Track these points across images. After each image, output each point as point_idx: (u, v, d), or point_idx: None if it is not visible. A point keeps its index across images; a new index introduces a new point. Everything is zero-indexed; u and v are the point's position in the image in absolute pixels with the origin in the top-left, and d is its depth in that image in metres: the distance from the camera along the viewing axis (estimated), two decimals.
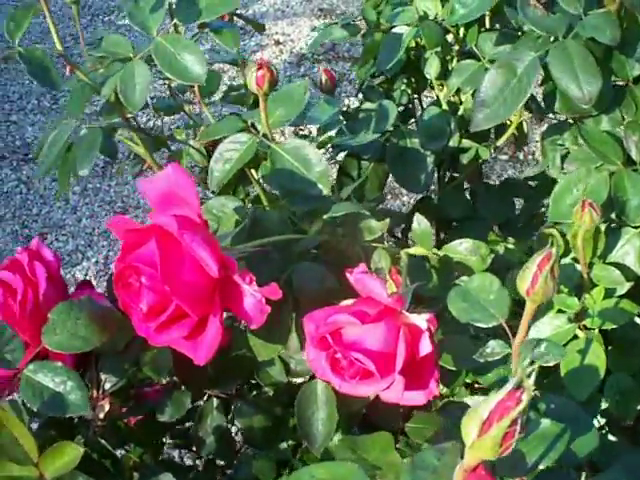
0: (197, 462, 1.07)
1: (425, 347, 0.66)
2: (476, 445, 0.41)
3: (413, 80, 1.23)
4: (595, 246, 0.81)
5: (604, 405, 0.89)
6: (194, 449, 1.01)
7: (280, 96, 0.82)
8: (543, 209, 1.26)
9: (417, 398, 0.68)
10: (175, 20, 0.82)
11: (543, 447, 0.60)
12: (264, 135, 0.80)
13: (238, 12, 0.92)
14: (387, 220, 0.79)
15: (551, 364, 0.62)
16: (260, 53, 3.48)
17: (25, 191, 2.75)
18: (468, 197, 1.23)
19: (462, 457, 0.47)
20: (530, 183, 1.27)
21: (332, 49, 3.52)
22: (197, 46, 0.77)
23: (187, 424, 0.99)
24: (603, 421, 0.95)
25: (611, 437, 0.94)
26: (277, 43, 3.57)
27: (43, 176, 0.93)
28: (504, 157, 2.80)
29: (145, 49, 0.81)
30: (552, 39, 0.87)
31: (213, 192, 0.83)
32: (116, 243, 2.53)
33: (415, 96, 1.26)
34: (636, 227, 0.85)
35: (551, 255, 0.55)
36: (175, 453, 1.24)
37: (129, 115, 0.86)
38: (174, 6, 0.82)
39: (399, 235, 1.22)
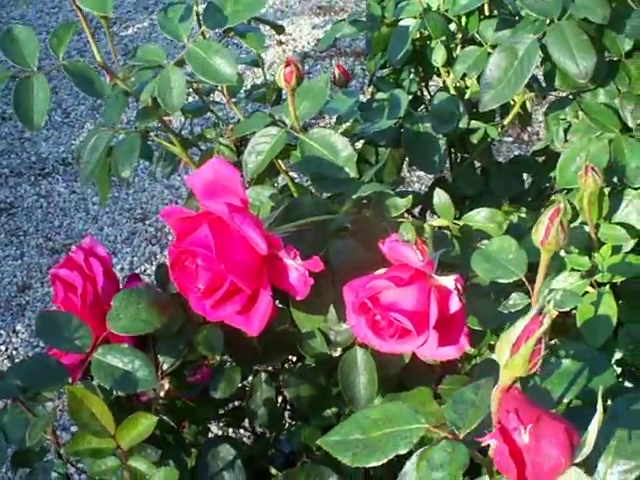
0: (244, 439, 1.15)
1: (454, 304, 0.73)
2: (509, 364, 0.48)
3: (420, 69, 1.30)
4: (600, 208, 0.89)
5: (619, 355, 0.97)
6: (243, 426, 1.09)
7: (304, 91, 0.89)
8: (551, 182, 1.33)
9: (450, 353, 0.76)
10: (203, 27, 0.89)
11: (565, 383, 0.68)
12: (292, 127, 0.88)
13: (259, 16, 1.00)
14: (410, 197, 0.86)
15: (567, 309, 0.69)
16: (264, 54, 3.55)
17: (45, 205, 2.83)
18: (480, 175, 1.30)
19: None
20: (537, 159, 1.34)
21: (333, 45, 3.58)
22: (227, 50, 0.85)
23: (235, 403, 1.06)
24: (619, 370, 1.02)
25: (627, 384, 1.01)
26: (280, 43, 3.64)
27: (87, 182, 1.00)
28: (509, 139, 2.88)
29: (177, 55, 0.88)
30: (548, 21, 0.94)
31: (248, 183, 0.90)
32: (139, 249, 2.61)
33: (422, 84, 1.33)
34: (637, 188, 0.93)
35: (560, 209, 0.62)
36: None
37: (166, 118, 0.93)
38: (201, 14, 0.90)
39: (417, 215, 1.29)
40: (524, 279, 0.75)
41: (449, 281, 0.73)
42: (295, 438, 1.01)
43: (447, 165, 1.27)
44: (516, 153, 2.79)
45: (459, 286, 0.73)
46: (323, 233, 0.84)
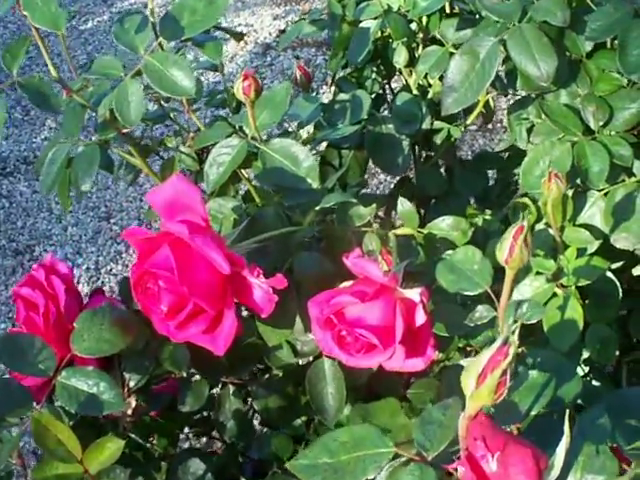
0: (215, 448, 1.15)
1: (420, 318, 0.73)
2: (475, 395, 0.48)
3: (382, 68, 1.30)
4: (564, 211, 0.89)
5: (586, 354, 0.97)
6: (214, 436, 1.08)
7: (264, 100, 0.88)
8: (516, 177, 1.33)
9: (417, 364, 0.76)
10: (160, 38, 0.87)
11: (533, 396, 0.68)
12: (253, 138, 0.87)
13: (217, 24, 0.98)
14: (374, 205, 0.86)
15: (533, 321, 0.69)
16: (225, 46, 3.52)
17: (7, 205, 2.79)
18: (444, 173, 1.30)
19: (464, 409, 0.55)
20: (501, 154, 1.34)
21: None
22: (185, 61, 0.83)
23: (205, 413, 1.06)
24: (587, 369, 1.03)
25: (595, 383, 1.02)
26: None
27: (48, 192, 0.99)
28: (473, 127, 2.88)
29: (134, 67, 0.87)
30: (509, 23, 0.94)
31: (211, 194, 0.89)
32: (104, 248, 2.58)
33: (385, 82, 1.33)
34: (600, 190, 0.93)
35: (523, 227, 0.62)
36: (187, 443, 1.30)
37: (124, 130, 0.92)
38: (157, 25, 0.88)
39: (382, 215, 1.29)
40: (489, 291, 0.75)
41: (414, 294, 0.73)
42: (265, 448, 1.00)
43: (411, 162, 1.27)
44: (481, 142, 2.79)
45: (424, 300, 0.72)
46: (287, 246, 0.83)
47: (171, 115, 1.08)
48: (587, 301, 0.96)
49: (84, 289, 2.44)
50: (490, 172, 1.33)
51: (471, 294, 0.76)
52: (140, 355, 0.85)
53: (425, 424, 0.59)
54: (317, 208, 0.84)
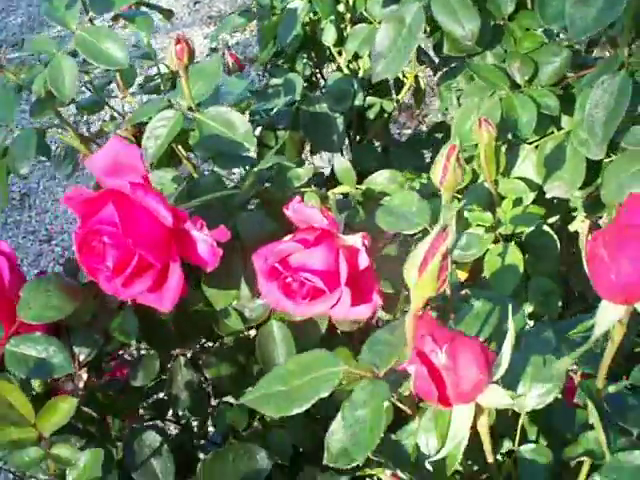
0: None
1: (363, 261, 0.74)
2: (418, 284, 0.49)
3: (313, 54, 1.32)
4: (498, 163, 0.91)
5: (531, 309, 0.99)
6: (169, 417, 1.08)
7: (197, 72, 0.89)
8: None
9: (364, 311, 0.77)
10: (90, 14, 0.88)
11: (478, 324, 0.70)
12: (189, 108, 0.88)
13: (146, 1, 1.00)
14: (311, 166, 0.87)
15: (470, 259, 0.70)
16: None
17: None
18: (379, 151, 1.32)
19: None
20: (436, 135, 1.37)
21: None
22: (116, 34, 0.84)
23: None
24: (532, 324, 1.05)
25: None
26: None
27: None
28: (402, 120, 2.89)
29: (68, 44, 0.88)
30: None
31: (150, 166, 0.90)
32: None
33: (317, 70, 1.35)
34: (531, 143, 0.96)
35: (455, 146, 0.64)
36: None
37: (60, 108, 0.92)
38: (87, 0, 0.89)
39: None
40: (430, 229, 0.76)
41: (356, 239, 0.74)
42: (220, 420, 1.00)
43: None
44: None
45: (366, 243, 0.74)
46: (228, 207, 0.84)
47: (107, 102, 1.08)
48: (527, 256, 0.98)
49: None
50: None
51: (410, 232, 0.78)
52: (88, 328, 0.85)
53: (374, 345, 0.60)
54: (255, 169, 0.85)
